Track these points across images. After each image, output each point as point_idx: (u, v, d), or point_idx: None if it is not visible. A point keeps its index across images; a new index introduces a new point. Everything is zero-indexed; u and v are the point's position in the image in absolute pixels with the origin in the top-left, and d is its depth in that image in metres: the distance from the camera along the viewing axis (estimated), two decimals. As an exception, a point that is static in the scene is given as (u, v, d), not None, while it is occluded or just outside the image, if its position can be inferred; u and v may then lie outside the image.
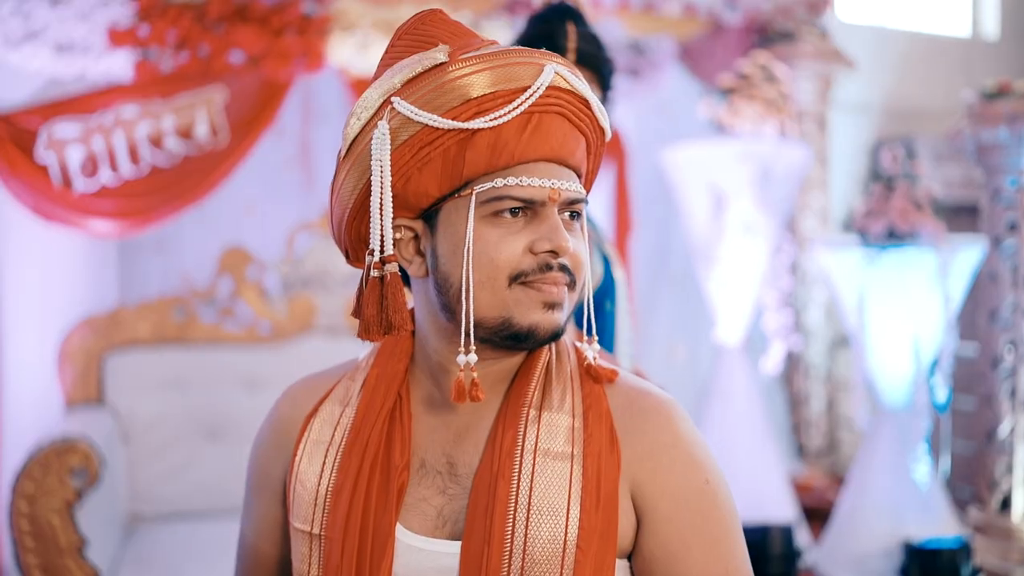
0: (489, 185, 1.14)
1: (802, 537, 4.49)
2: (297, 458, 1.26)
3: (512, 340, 1.16)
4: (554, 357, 1.24)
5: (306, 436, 1.27)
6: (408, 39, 1.23)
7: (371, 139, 1.14)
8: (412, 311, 1.28)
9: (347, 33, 3.91)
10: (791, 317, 4.74)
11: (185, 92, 3.78)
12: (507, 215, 1.15)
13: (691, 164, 4.44)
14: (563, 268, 1.16)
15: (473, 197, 1.14)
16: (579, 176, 1.22)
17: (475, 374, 1.15)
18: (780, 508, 4.42)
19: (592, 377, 1.22)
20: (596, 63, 1.93)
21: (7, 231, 3.72)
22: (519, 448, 1.16)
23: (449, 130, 1.12)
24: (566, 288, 1.17)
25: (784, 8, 5.40)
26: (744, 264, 4.46)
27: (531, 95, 1.13)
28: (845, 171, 5.80)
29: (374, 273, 1.15)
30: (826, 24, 5.59)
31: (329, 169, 3.78)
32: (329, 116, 4.25)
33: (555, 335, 1.18)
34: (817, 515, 5.06)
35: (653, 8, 5.04)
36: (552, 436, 1.17)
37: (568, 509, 1.13)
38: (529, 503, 1.12)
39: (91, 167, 3.70)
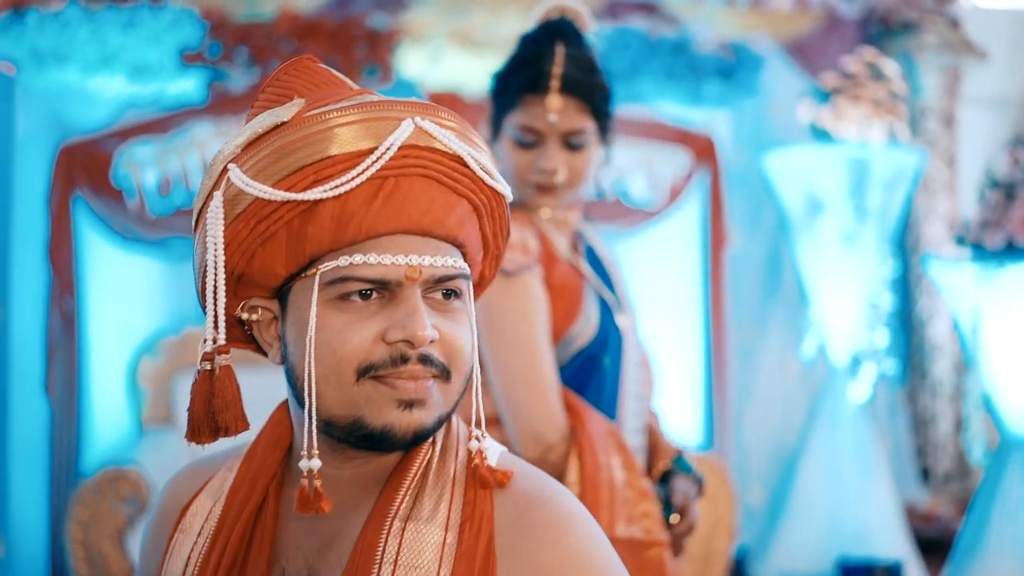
0: (333, 264, 0.98)
1: (915, 574, 4.13)
2: (167, 555, 1.14)
3: (367, 442, 1.01)
4: (436, 455, 1.07)
5: (178, 531, 1.15)
6: (270, 92, 1.09)
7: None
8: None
9: (418, 44, 3.80)
10: (884, 337, 4.35)
11: (257, 110, 3.75)
12: (356, 298, 0.99)
13: (790, 170, 4.14)
14: (425, 360, 0.99)
15: (316, 278, 0.99)
16: (461, 246, 1.05)
17: (318, 482, 0.99)
18: (889, 543, 4.08)
19: (478, 481, 1.04)
20: (585, 90, 1.74)
21: (89, 255, 3.79)
22: (376, 567, 1.00)
23: (286, 201, 0.97)
24: (434, 381, 1.00)
25: (908, -4, 5.00)
26: (847, 278, 4.13)
27: (378, 159, 0.97)
28: (979, 172, 5.32)
29: (204, 365, 1.01)
30: (959, 11, 5.14)
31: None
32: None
33: (418, 437, 1.01)
34: (941, 548, 4.66)
35: (762, 3, 4.74)
36: (416, 553, 1.00)
37: None
38: None
39: (167, 188, 3.72)
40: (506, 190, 1.08)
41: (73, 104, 3.74)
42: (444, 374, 1.01)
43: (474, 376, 1.06)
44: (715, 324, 4.20)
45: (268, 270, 1.01)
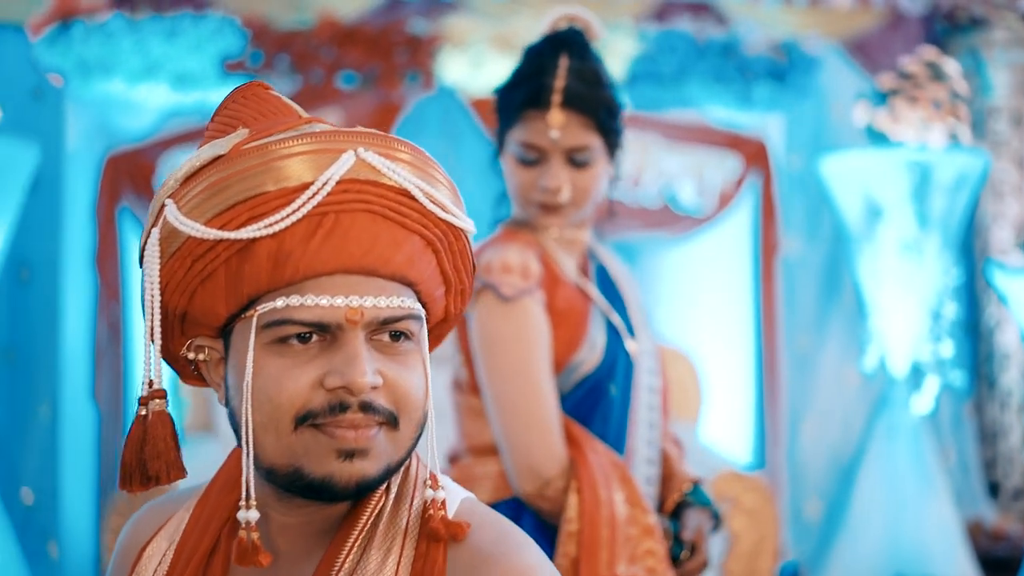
0: (270, 306, 0.93)
1: (978, 596, 3.96)
2: None
3: (310, 492, 0.96)
4: (389, 503, 1.01)
5: (134, 574, 1.11)
6: (218, 121, 1.05)
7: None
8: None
9: (459, 50, 3.75)
10: (949, 347, 4.16)
11: (299, 118, 3.74)
12: (294, 342, 0.94)
13: (847, 175, 3.99)
14: (367, 407, 0.93)
15: (254, 320, 0.94)
16: (413, 284, 0.98)
17: (255, 535, 0.94)
18: (949, 561, 3.90)
19: (430, 534, 0.98)
20: (588, 105, 1.66)
21: (134, 264, 3.82)
22: None
23: (221, 240, 0.93)
24: (379, 429, 0.95)
25: (977, -9, 4.79)
26: (908, 285, 3.96)
27: (313, 195, 0.92)
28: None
29: (140, 410, 0.97)
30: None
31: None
32: (461, 135, 4.10)
33: (362, 487, 0.95)
34: (1011, 567, 4.46)
35: (821, 1, 4.59)
36: None
37: None
38: None
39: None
40: (465, 224, 1.01)
41: (119, 114, 3.77)
42: (391, 421, 0.96)
43: (430, 421, 1.00)
44: (767, 335, 4.06)
45: (209, 310, 0.97)
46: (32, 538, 3.71)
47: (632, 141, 3.95)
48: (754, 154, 4.01)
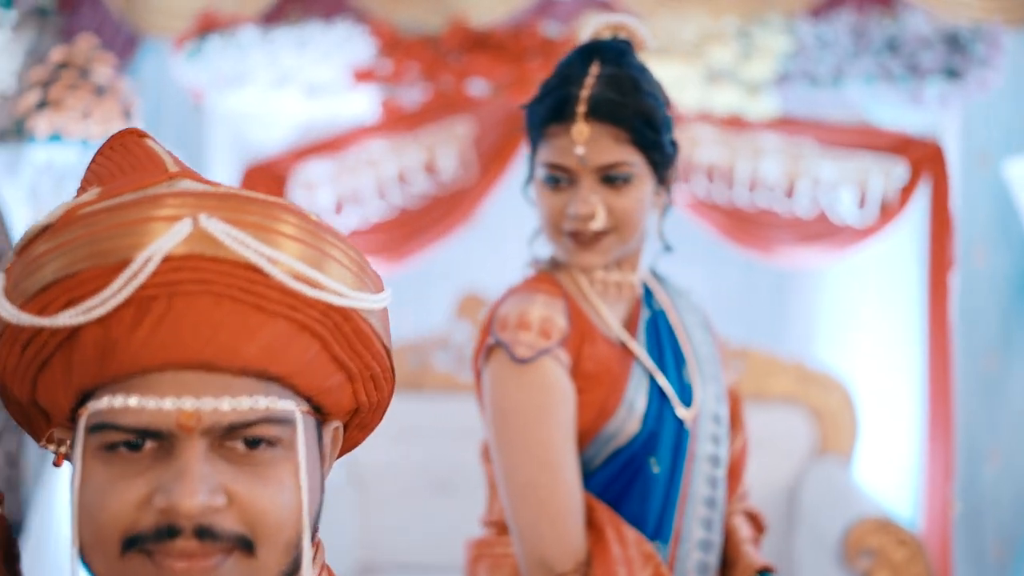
0: (96, 406, 0.78)
1: None
2: None
3: None
4: None
5: None
6: (86, 176, 0.91)
7: None
8: None
9: (593, 53, 3.52)
10: None
11: (430, 127, 3.63)
12: (123, 449, 0.78)
13: (1034, 180, 3.50)
14: (204, 533, 0.76)
15: (83, 420, 0.79)
16: (281, 378, 0.81)
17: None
18: None
19: None
20: (619, 115, 1.42)
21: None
22: None
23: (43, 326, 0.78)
24: (225, 557, 0.78)
25: None
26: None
27: (134, 274, 0.76)
28: None
29: None
30: None
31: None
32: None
33: None
34: None
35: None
36: None
37: None
38: None
39: (341, 207, 3.68)
40: (354, 303, 0.82)
41: (254, 126, 3.78)
42: (244, 547, 0.78)
43: (304, 544, 0.82)
44: (936, 362, 3.59)
45: (52, 402, 0.83)
46: None
47: (785, 147, 3.62)
48: (926, 158, 3.58)
